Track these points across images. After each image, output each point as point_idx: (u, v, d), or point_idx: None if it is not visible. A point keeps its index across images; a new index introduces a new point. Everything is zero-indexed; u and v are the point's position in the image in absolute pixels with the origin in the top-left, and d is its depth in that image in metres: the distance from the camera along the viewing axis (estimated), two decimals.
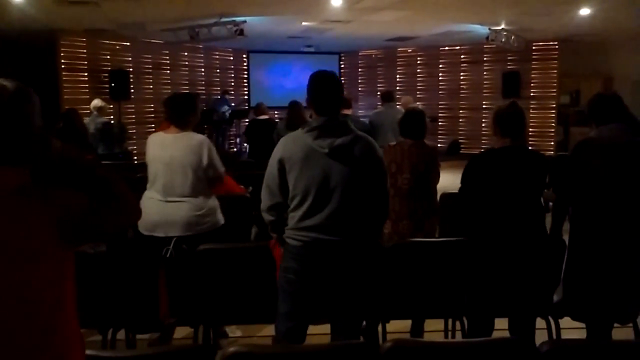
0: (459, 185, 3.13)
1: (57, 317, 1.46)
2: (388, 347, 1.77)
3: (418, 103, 13.69)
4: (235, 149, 13.24)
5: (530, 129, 12.53)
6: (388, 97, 7.11)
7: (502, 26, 9.99)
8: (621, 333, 3.22)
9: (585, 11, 8.34)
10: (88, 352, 1.63)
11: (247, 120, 11.17)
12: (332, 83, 2.62)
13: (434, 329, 3.59)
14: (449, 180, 4.39)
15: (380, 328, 3.07)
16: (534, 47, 12.25)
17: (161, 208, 3.37)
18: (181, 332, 3.52)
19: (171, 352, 1.91)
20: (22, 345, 1.40)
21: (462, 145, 13.08)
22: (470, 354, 1.77)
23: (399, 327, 3.46)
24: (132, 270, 3.01)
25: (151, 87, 11.67)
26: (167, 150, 3.41)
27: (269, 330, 3.15)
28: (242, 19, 8.83)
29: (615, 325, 3.11)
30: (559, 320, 3.16)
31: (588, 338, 3.02)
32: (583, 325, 3.15)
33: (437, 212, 3.69)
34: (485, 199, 2.96)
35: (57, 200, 1.45)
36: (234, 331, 3.78)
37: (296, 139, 2.55)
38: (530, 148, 3.21)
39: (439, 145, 13.44)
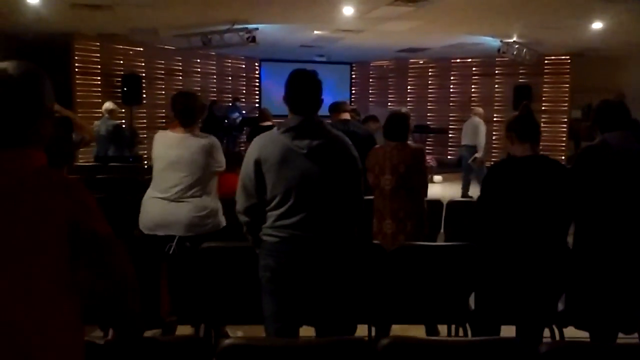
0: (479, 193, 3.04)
1: (58, 306, 1.42)
2: (385, 344, 1.76)
3: (428, 115, 13.79)
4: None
5: (542, 143, 12.44)
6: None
7: (514, 39, 9.99)
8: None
9: (597, 25, 8.32)
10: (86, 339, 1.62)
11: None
12: (310, 82, 2.58)
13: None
14: (458, 190, 4.37)
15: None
16: (546, 61, 12.23)
17: (164, 207, 3.37)
18: (184, 331, 3.51)
19: (170, 343, 1.91)
20: (20, 329, 1.36)
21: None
22: (469, 353, 1.76)
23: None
24: (134, 267, 3.01)
25: (163, 92, 11.77)
26: (174, 150, 3.42)
27: None
28: (255, 26, 8.89)
29: (621, 335, 3.07)
30: (564, 330, 3.13)
31: None
32: (588, 334, 3.12)
33: (422, 214, 3.68)
34: (506, 208, 2.81)
35: (75, 199, 1.41)
36: (235, 332, 3.77)
37: (273, 140, 2.52)
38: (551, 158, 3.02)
39: (448, 156, 13.41)
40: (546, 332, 3.13)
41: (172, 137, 3.48)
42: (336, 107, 5.16)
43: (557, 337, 3.09)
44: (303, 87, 2.56)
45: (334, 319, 2.60)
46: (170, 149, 3.43)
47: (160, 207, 3.37)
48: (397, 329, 3.40)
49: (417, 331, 3.52)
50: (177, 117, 3.51)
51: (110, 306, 1.53)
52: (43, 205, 1.37)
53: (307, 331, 2.72)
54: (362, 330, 3.20)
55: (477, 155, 9.22)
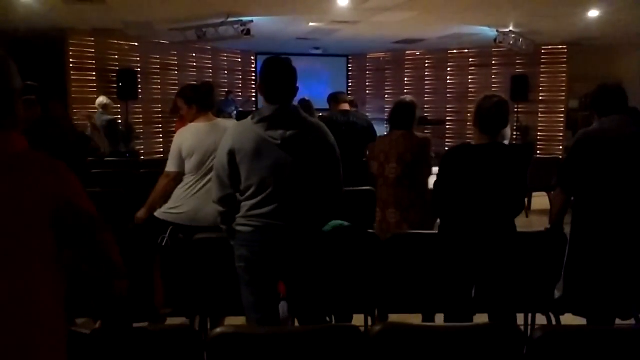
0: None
1: (43, 287, 1.39)
2: (378, 330, 1.73)
3: (425, 106, 13.74)
4: None
5: (539, 134, 12.46)
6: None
7: (511, 28, 9.95)
8: None
9: (593, 13, 8.27)
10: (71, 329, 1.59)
11: None
12: (283, 70, 2.52)
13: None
14: None
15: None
16: (543, 51, 12.17)
17: (200, 201, 3.36)
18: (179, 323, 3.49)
19: (160, 333, 1.89)
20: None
21: None
22: (461, 338, 1.74)
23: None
24: (127, 259, 2.99)
25: (159, 87, 11.71)
26: (211, 136, 3.41)
27: None
28: (249, 18, 8.85)
29: (618, 322, 3.05)
30: (561, 317, 3.11)
31: None
32: (584, 321, 3.10)
33: (425, 204, 3.65)
34: (458, 194, 2.82)
35: (57, 181, 1.40)
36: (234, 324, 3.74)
37: (247, 130, 2.50)
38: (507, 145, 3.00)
39: (446, 148, 13.38)
40: (543, 320, 3.12)
41: (202, 126, 3.48)
42: (335, 98, 5.15)
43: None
44: (276, 75, 2.51)
45: (309, 307, 2.59)
46: (207, 137, 3.42)
47: (200, 200, 3.37)
48: (394, 319, 3.38)
49: (415, 321, 3.50)
50: (201, 104, 3.54)
51: (97, 288, 1.52)
52: (29, 186, 1.36)
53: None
54: (358, 321, 3.18)
55: None
